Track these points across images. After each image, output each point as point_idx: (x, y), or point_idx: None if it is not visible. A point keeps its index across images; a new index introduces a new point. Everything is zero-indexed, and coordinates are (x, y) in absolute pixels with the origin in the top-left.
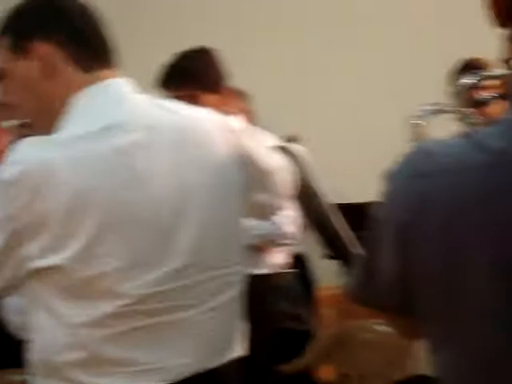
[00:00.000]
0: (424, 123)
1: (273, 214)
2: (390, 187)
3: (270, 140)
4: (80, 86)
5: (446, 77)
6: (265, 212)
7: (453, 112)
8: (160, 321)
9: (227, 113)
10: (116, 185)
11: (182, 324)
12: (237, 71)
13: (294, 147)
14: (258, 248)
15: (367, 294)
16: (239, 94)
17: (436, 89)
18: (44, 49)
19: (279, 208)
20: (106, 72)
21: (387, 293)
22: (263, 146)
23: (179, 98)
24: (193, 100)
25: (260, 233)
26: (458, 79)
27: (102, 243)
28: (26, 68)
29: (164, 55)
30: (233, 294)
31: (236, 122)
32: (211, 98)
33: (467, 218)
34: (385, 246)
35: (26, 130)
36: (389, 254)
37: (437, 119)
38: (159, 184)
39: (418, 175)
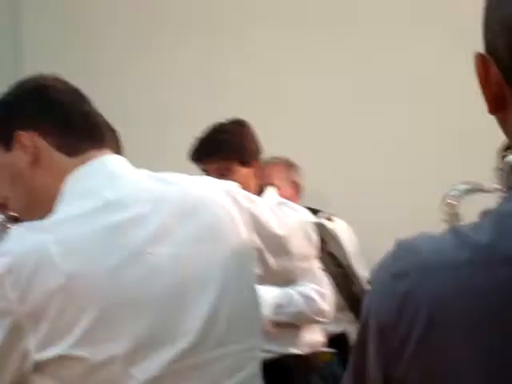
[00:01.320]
0: (458, 203)
1: (296, 279)
2: (372, 287)
3: (307, 215)
4: (67, 171)
5: (495, 154)
6: (288, 278)
7: (490, 191)
8: None
9: (263, 185)
10: (112, 265)
11: None
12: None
13: (336, 224)
14: (294, 326)
15: None
16: (288, 166)
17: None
18: (28, 138)
19: (302, 272)
20: (94, 152)
21: None
22: (276, 212)
23: (211, 170)
24: (225, 173)
25: (295, 310)
26: (504, 157)
27: (103, 328)
28: (11, 159)
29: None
30: (251, 371)
31: (239, 188)
32: (244, 170)
33: (450, 320)
34: (368, 351)
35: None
36: (372, 361)
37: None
38: (160, 261)
39: (399, 274)
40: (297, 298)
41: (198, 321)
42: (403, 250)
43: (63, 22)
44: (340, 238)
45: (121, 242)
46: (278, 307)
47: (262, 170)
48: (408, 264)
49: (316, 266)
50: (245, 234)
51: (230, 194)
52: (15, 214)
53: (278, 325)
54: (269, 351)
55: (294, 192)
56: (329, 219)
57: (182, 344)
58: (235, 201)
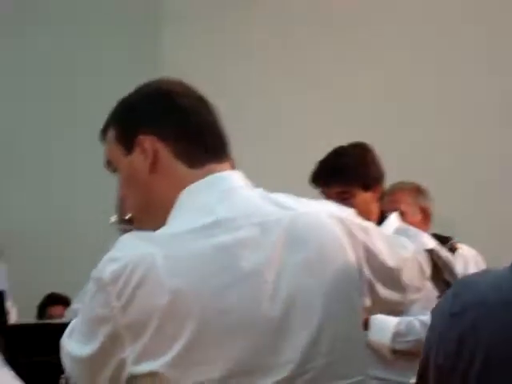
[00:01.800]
0: None
1: (403, 309)
2: (431, 325)
3: (428, 242)
4: (186, 183)
5: None
6: (396, 308)
7: None
8: None
9: (388, 211)
10: (217, 286)
11: None
12: None
13: (462, 251)
14: (414, 355)
15: None
16: (417, 191)
17: None
18: (149, 143)
19: (410, 303)
20: (214, 166)
21: None
22: (392, 242)
23: (331, 194)
24: (346, 197)
25: (415, 338)
26: None
27: (199, 350)
28: (130, 163)
29: None
30: None
31: (355, 217)
32: (366, 195)
33: (507, 355)
34: None
35: (133, 225)
36: None
37: None
38: (267, 286)
39: (456, 313)
40: (418, 326)
41: (296, 354)
42: (462, 287)
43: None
44: (454, 266)
45: (228, 264)
46: (399, 335)
47: (390, 194)
48: (465, 302)
49: (433, 293)
50: (354, 265)
51: (344, 223)
52: (129, 217)
53: (398, 353)
54: (387, 380)
55: (423, 218)
56: (453, 247)
57: (277, 376)
58: (349, 231)
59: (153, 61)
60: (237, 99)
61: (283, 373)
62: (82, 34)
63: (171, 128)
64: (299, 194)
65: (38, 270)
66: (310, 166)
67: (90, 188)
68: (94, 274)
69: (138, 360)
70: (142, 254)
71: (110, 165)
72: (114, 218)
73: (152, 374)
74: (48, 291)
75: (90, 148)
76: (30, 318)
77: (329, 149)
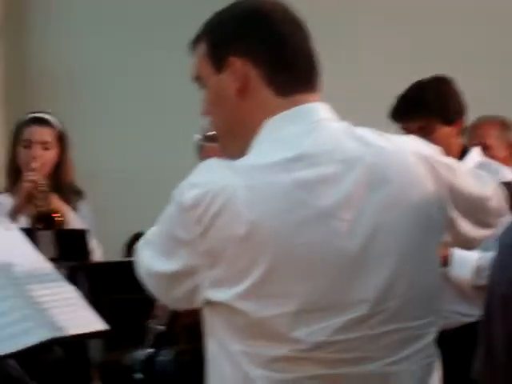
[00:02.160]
0: None
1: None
2: (495, 255)
3: (510, 176)
4: (273, 111)
5: None
6: (474, 244)
7: None
8: (335, 372)
9: (470, 145)
10: (295, 221)
11: (360, 378)
12: None
13: None
14: None
15: (486, 375)
16: (504, 125)
17: None
18: (240, 65)
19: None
20: (304, 97)
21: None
22: (473, 176)
23: (412, 129)
24: (427, 132)
25: None
26: None
27: (275, 282)
28: (219, 82)
29: None
30: (420, 346)
31: (440, 155)
32: (447, 129)
33: None
34: (494, 322)
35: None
36: (499, 332)
37: None
38: (344, 224)
39: None
40: None
41: (372, 293)
42: None
43: None
44: None
45: (308, 200)
46: (480, 270)
47: (475, 128)
48: None
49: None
50: (436, 205)
51: (428, 161)
52: (213, 133)
53: (480, 288)
54: (470, 315)
55: (509, 154)
56: None
57: (351, 314)
58: (433, 169)
59: None
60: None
61: (357, 311)
62: None
63: (265, 53)
64: (378, 127)
65: (126, 209)
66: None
67: (176, 130)
68: (175, 195)
69: (213, 287)
70: (222, 183)
71: (198, 80)
72: (198, 136)
73: (225, 303)
74: (135, 231)
75: (178, 96)
76: (118, 258)
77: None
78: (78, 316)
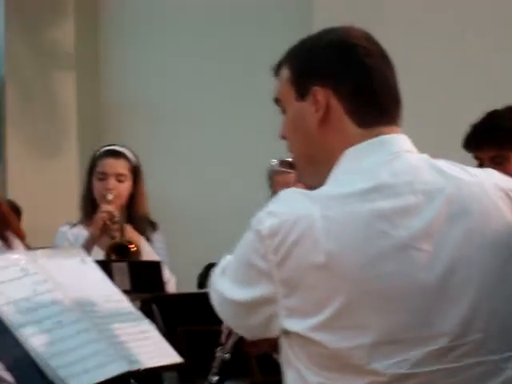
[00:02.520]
0: None
1: None
2: None
3: None
4: (353, 142)
5: None
6: None
7: None
8: None
9: None
10: (374, 252)
11: None
12: None
13: None
14: None
15: None
16: None
17: None
18: (323, 95)
19: None
20: (385, 129)
21: None
22: None
23: (485, 159)
24: (501, 161)
25: None
26: None
27: (352, 314)
28: (300, 109)
29: None
30: (501, 380)
31: None
32: None
33: None
34: None
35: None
36: None
37: None
38: (424, 255)
39: None
40: None
41: (452, 326)
42: None
43: None
44: None
45: (388, 230)
46: None
47: None
48: None
49: None
50: None
51: (506, 192)
52: (290, 160)
53: None
54: None
55: None
56: None
57: (431, 347)
58: (510, 200)
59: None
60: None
61: (437, 344)
62: None
63: (349, 85)
64: (453, 159)
65: (199, 240)
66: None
67: (244, 163)
68: (253, 224)
69: (289, 316)
70: (301, 212)
71: (279, 103)
72: (275, 161)
73: (303, 333)
74: (208, 261)
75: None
76: (191, 289)
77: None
78: (153, 349)
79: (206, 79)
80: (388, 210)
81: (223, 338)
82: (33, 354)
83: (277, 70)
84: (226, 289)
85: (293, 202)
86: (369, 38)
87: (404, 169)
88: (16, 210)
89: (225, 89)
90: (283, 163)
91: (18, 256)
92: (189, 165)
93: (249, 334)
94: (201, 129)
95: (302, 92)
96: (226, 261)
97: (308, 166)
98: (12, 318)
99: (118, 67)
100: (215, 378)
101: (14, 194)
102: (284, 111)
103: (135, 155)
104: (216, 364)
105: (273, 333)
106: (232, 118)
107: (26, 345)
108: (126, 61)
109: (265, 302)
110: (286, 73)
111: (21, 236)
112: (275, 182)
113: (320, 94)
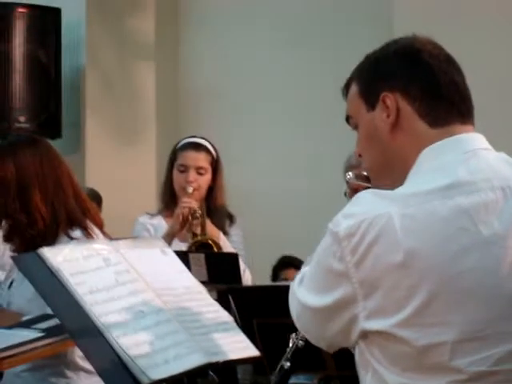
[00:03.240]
0: None
1: None
2: None
3: None
4: (427, 142)
5: None
6: None
7: None
8: None
9: None
10: (455, 249)
11: None
12: None
13: None
14: None
15: None
16: None
17: None
18: (392, 99)
19: None
20: (458, 128)
21: None
22: None
23: None
24: None
25: None
26: None
27: (434, 311)
28: (372, 119)
29: None
30: None
31: None
32: None
33: None
34: None
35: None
36: None
37: None
38: (508, 251)
39: None
40: None
41: None
42: None
43: None
44: None
45: (468, 227)
46: None
47: None
48: None
49: None
50: None
51: None
52: (366, 174)
53: None
54: None
55: None
56: None
57: None
58: None
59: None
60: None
61: None
62: None
63: (417, 87)
64: None
65: (274, 233)
66: None
67: (324, 153)
68: (330, 226)
69: (370, 317)
70: (378, 212)
71: (351, 120)
72: (350, 175)
73: (382, 333)
74: (282, 254)
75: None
76: (265, 281)
77: None
78: (232, 341)
79: (284, 68)
80: (467, 207)
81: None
82: (113, 344)
83: (346, 89)
84: (304, 297)
85: (370, 203)
86: (433, 43)
87: (481, 166)
88: (97, 198)
89: (303, 78)
90: (359, 177)
91: (100, 246)
92: (267, 154)
93: (329, 345)
94: (279, 118)
95: (371, 102)
96: (304, 270)
97: (384, 176)
98: (94, 307)
99: (197, 56)
100: (287, 364)
101: (92, 182)
102: (356, 127)
103: (215, 148)
104: (290, 350)
105: (352, 340)
106: (311, 107)
107: (106, 334)
108: (205, 50)
109: (344, 306)
110: (354, 88)
111: (99, 225)
112: (352, 189)
113: (389, 98)
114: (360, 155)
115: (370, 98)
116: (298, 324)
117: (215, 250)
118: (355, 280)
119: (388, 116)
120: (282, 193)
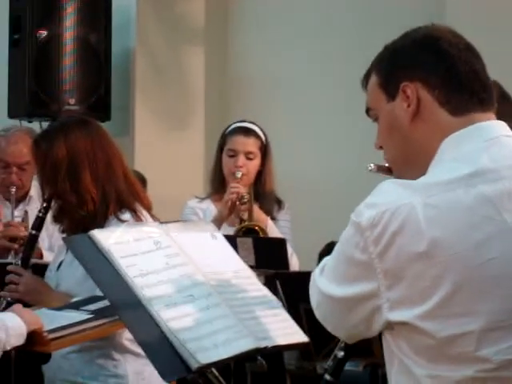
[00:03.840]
0: None
1: None
2: None
3: None
4: (449, 131)
5: None
6: None
7: None
8: None
9: None
10: (479, 237)
11: None
12: None
13: None
14: None
15: None
16: None
17: None
18: (412, 89)
19: None
20: (479, 115)
21: None
22: None
23: None
24: None
25: None
26: None
27: (459, 301)
28: (392, 109)
29: None
30: None
31: None
32: None
33: None
34: None
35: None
36: None
37: None
38: None
39: None
40: None
41: None
42: None
43: None
44: None
45: (492, 215)
46: None
47: None
48: None
49: None
50: None
51: None
52: (388, 165)
53: None
54: None
55: None
56: None
57: None
58: None
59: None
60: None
61: None
62: None
63: (437, 75)
64: None
65: (321, 219)
66: None
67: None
68: (353, 217)
69: (394, 308)
70: (401, 201)
71: (371, 112)
72: (372, 166)
73: (407, 324)
74: (329, 240)
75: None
76: (312, 267)
77: None
78: (280, 327)
79: (334, 55)
80: (491, 195)
81: None
82: (163, 327)
83: (365, 81)
84: (325, 287)
85: (392, 193)
86: (453, 32)
87: (504, 153)
88: (142, 181)
89: (354, 65)
90: (380, 168)
91: (151, 229)
92: (316, 139)
93: (349, 335)
94: (329, 103)
95: (391, 92)
96: (326, 259)
97: (406, 167)
98: (144, 290)
99: (246, 41)
100: (341, 353)
101: (141, 165)
102: (376, 119)
103: (264, 132)
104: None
105: (374, 331)
106: (362, 94)
107: (156, 317)
108: (254, 35)
109: (367, 297)
110: (374, 79)
111: (148, 207)
112: None
113: (409, 88)
114: (381, 147)
115: (390, 89)
116: (317, 313)
117: (261, 235)
118: (379, 271)
119: (408, 106)
120: (330, 179)
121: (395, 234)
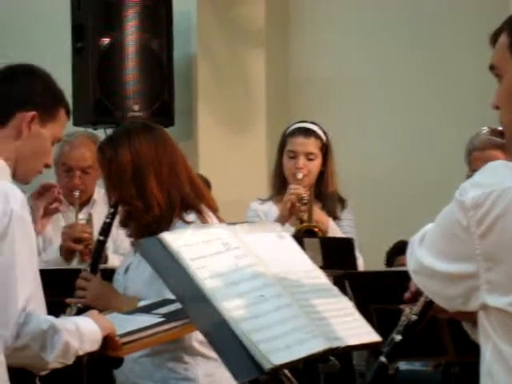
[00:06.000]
0: None
1: None
2: None
3: None
4: None
5: None
6: None
7: None
8: None
9: None
10: None
11: None
12: None
13: None
14: None
15: None
16: None
17: None
18: None
19: None
20: None
21: None
22: None
23: None
24: None
25: None
26: None
27: None
28: None
29: None
30: None
31: None
32: None
33: None
34: None
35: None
36: None
37: None
38: None
39: None
40: None
41: None
42: None
43: None
44: None
45: None
46: None
47: None
48: None
49: None
50: None
51: None
52: (501, 129)
53: None
54: None
55: None
56: None
57: None
58: None
59: None
60: None
61: None
62: None
63: None
64: None
65: (388, 218)
66: None
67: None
68: (457, 195)
69: (491, 291)
70: (509, 184)
71: (495, 70)
72: (486, 129)
73: (502, 310)
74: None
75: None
76: (378, 266)
77: None
78: (352, 326)
79: (396, 55)
80: None
81: (408, 295)
82: (235, 328)
83: (494, 38)
84: (424, 258)
85: (500, 174)
86: None
87: None
88: (206, 184)
89: (417, 65)
90: (494, 132)
91: (219, 230)
92: (379, 139)
93: (447, 304)
94: (391, 103)
95: None
96: (427, 228)
97: None
98: (215, 291)
99: (307, 43)
100: (398, 337)
101: (204, 169)
102: (500, 79)
103: (325, 132)
104: (402, 323)
105: (472, 307)
106: (427, 94)
107: (228, 319)
108: (314, 36)
109: (465, 276)
110: (504, 40)
111: (214, 209)
112: (473, 158)
113: None
114: (497, 107)
115: None
116: (414, 278)
117: (320, 233)
118: (478, 252)
119: None
120: (396, 178)
121: (499, 216)
